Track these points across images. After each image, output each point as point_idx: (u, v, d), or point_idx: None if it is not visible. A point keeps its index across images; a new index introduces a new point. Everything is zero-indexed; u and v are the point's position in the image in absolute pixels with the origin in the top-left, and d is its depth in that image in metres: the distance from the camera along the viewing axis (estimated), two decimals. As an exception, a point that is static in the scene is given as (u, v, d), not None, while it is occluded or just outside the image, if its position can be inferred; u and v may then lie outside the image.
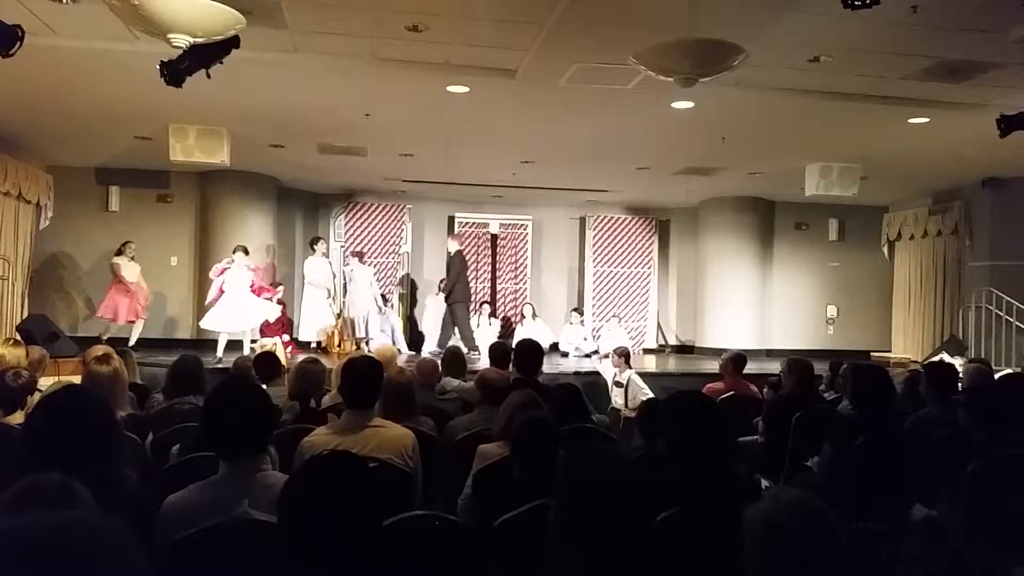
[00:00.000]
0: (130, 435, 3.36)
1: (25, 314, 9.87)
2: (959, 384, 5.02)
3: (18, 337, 7.24)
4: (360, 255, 12.23)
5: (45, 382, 4.81)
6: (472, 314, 12.88)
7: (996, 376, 5.83)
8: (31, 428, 2.41)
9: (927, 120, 7.80)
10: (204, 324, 9.78)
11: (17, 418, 3.77)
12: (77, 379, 4.61)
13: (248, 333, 9.79)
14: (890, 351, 12.57)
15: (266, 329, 10.52)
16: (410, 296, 13.29)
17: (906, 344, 12.54)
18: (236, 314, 9.52)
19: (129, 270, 10.32)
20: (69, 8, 5.46)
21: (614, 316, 13.28)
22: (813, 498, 1.77)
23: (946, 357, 8.89)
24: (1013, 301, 10.35)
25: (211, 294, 9.78)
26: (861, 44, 5.88)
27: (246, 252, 9.83)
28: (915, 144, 8.79)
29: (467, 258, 13.57)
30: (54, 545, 0.95)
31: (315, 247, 11.82)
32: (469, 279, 11.94)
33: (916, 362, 10.64)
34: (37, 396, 3.82)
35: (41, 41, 5.72)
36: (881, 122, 7.94)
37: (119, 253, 10.40)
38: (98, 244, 11.46)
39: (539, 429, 3.00)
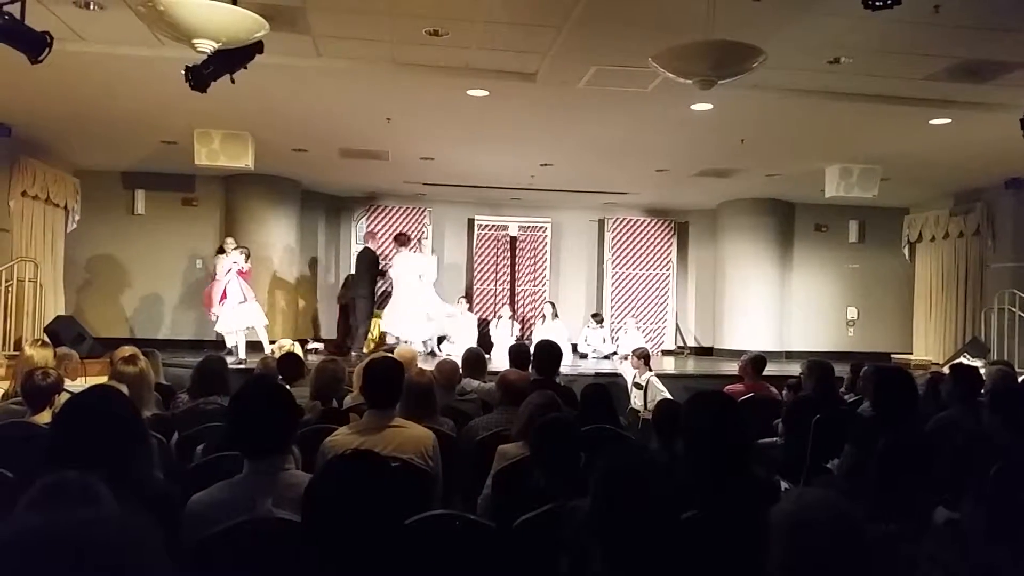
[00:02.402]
0: (156, 435, 3.41)
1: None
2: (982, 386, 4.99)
3: (46, 338, 7.36)
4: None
5: (72, 383, 4.89)
6: (493, 317, 12.91)
7: (1020, 378, 5.78)
8: (58, 427, 2.46)
9: (948, 121, 7.74)
10: (217, 327, 9.92)
11: (44, 417, 3.83)
12: (105, 379, 4.68)
13: (264, 332, 9.88)
14: (911, 353, 12.45)
15: None
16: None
17: (927, 346, 12.41)
18: (237, 314, 9.65)
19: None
20: (97, 14, 5.56)
21: (631, 316, 13.27)
22: (839, 498, 1.78)
23: (967, 359, 8.81)
24: (1036, 303, 10.25)
25: (216, 295, 9.89)
26: (882, 45, 5.85)
27: (244, 253, 9.99)
28: (936, 145, 8.72)
29: (487, 261, 13.62)
30: (74, 544, 0.96)
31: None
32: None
33: (937, 364, 10.53)
34: (64, 396, 3.88)
35: (69, 47, 5.81)
36: (902, 123, 7.89)
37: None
38: (124, 247, 11.63)
39: (558, 431, 3.02)
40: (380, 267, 11.00)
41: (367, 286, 10.66)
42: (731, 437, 2.63)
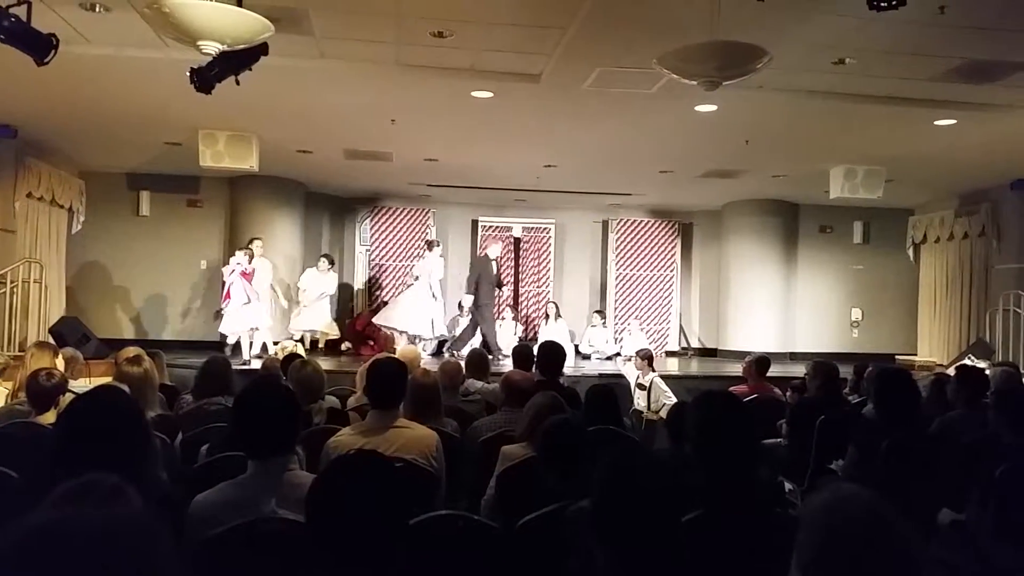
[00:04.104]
0: (160, 435, 3.42)
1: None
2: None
3: (51, 340, 7.38)
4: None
5: (76, 383, 4.90)
6: (497, 318, 12.91)
7: (1025, 380, 5.76)
8: (63, 428, 2.46)
9: (954, 122, 7.72)
10: (221, 328, 9.95)
11: (49, 418, 3.84)
12: (110, 380, 4.69)
13: (267, 333, 9.88)
14: (916, 354, 12.42)
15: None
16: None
17: (932, 347, 12.38)
18: (241, 315, 9.67)
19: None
20: (102, 17, 5.57)
21: (635, 319, 13.28)
22: (875, 494, 1.77)
23: (972, 360, 8.78)
24: (1041, 304, 10.21)
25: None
26: (887, 46, 5.84)
27: (248, 254, 9.97)
28: (941, 146, 8.70)
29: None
30: (87, 540, 0.97)
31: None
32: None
33: (942, 366, 10.50)
34: (69, 396, 3.89)
35: (75, 49, 5.83)
36: (907, 124, 7.87)
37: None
38: (129, 248, 11.66)
39: (566, 432, 3.02)
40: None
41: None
42: (739, 437, 2.63)
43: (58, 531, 0.97)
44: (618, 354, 12.08)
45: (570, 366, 8.43)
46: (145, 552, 1.00)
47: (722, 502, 2.46)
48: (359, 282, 13.41)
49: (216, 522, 2.31)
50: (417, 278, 11.14)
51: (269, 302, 10.39)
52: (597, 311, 13.10)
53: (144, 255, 11.72)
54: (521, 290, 13.76)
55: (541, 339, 9.61)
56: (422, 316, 10.92)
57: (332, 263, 11.80)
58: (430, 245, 11.47)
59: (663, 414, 6.45)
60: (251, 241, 10.29)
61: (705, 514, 2.42)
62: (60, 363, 4.94)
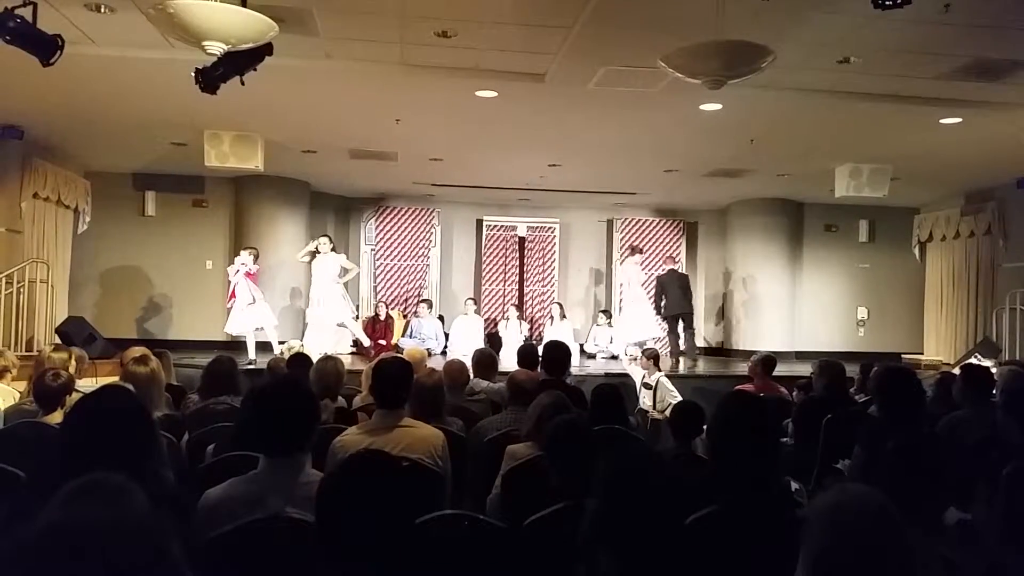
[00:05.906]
0: (166, 435, 3.43)
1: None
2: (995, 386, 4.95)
3: (58, 340, 7.41)
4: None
5: (82, 383, 4.92)
6: (501, 318, 12.94)
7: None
8: (69, 427, 2.47)
9: (959, 120, 7.70)
10: (227, 328, 9.98)
11: (56, 417, 3.86)
12: (116, 380, 4.70)
13: (273, 332, 9.87)
14: (922, 353, 12.39)
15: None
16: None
17: (938, 346, 12.36)
18: (246, 315, 9.68)
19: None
20: (107, 17, 5.59)
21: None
22: (880, 493, 1.77)
23: (979, 359, 8.76)
24: (1048, 303, 10.17)
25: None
26: (892, 44, 5.83)
27: (253, 254, 9.97)
28: (947, 144, 8.68)
29: (495, 261, 13.64)
30: (96, 539, 0.97)
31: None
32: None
33: (948, 364, 10.47)
34: (76, 396, 3.90)
35: (80, 50, 5.84)
36: (912, 123, 7.85)
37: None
38: (134, 248, 11.70)
39: (572, 432, 3.02)
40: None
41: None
42: (769, 439, 2.64)
43: (68, 530, 0.98)
44: (626, 352, 12.05)
45: (576, 364, 8.42)
46: (152, 550, 1.01)
47: (734, 500, 2.46)
48: (364, 282, 13.42)
49: (226, 518, 2.32)
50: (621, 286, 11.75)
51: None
52: (603, 311, 13.09)
53: (150, 255, 11.76)
54: (526, 289, 13.76)
55: (546, 339, 9.63)
56: (650, 319, 11.47)
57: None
58: (633, 250, 12.14)
59: (668, 413, 6.45)
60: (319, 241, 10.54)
61: (714, 512, 2.42)
62: (73, 365, 4.96)
